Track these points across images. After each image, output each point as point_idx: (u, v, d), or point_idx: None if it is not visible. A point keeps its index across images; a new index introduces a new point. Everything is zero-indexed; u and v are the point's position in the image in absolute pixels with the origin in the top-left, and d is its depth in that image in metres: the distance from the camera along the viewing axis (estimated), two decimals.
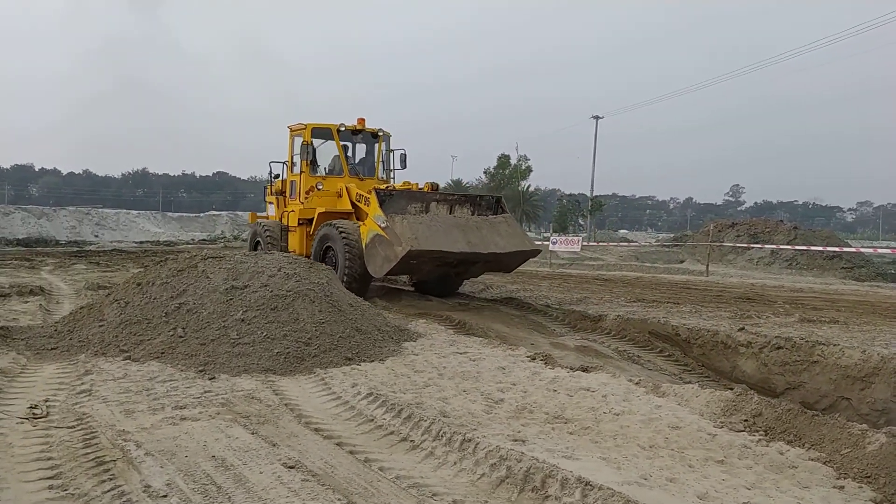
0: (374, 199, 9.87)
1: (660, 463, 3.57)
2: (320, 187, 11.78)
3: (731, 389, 4.96)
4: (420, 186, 11.55)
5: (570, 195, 67.66)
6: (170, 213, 49.04)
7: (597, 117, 55.68)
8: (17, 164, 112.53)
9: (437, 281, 11.39)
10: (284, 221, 12.87)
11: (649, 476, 3.35)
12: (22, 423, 4.01)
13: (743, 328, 7.82)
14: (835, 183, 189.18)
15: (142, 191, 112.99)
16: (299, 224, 12.12)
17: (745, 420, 4.25)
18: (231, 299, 6.26)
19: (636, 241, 41.00)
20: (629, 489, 3.12)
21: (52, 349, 6.03)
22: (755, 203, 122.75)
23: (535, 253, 10.53)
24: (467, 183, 68.69)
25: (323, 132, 12.25)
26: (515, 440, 3.83)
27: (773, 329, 7.87)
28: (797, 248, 23.12)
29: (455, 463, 3.54)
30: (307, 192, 11.96)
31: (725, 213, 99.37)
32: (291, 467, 3.41)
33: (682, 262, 26.99)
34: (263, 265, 6.89)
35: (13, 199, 78.86)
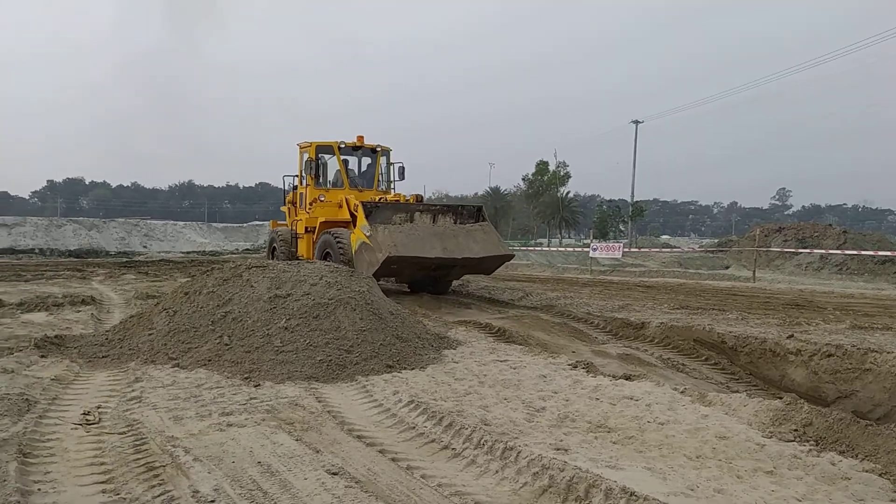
0: (360, 211, 11.02)
1: (707, 473, 3.49)
2: (322, 199, 13.13)
3: (780, 398, 4.83)
4: (407, 198, 12.83)
5: (611, 201, 66.83)
6: (215, 224, 50.09)
7: (636, 122, 55.12)
8: (68, 178, 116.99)
9: (426, 282, 12.40)
10: (295, 229, 14.12)
11: (696, 487, 3.29)
12: (76, 428, 4.14)
13: (792, 335, 7.60)
14: (886, 185, 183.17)
15: (188, 202, 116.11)
16: (306, 232, 13.48)
17: (795, 430, 4.13)
18: (274, 308, 6.36)
19: (679, 247, 40.27)
20: (676, 500, 3.07)
21: (103, 357, 6.21)
22: (802, 207, 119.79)
23: (509, 257, 11.82)
24: (505, 190, 68.61)
25: (326, 149, 13.74)
26: (558, 449, 3.79)
27: (824, 336, 7.64)
28: (847, 252, 22.42)
29: (497, 471, 3.52)
30: (311, 203, 13.39)
31: (772, 218, 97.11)
32: (335, 474, 3.45)
33: (727, 267, 26.43)
34: (305, 274, 6.99)
35: (65, 211, 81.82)
